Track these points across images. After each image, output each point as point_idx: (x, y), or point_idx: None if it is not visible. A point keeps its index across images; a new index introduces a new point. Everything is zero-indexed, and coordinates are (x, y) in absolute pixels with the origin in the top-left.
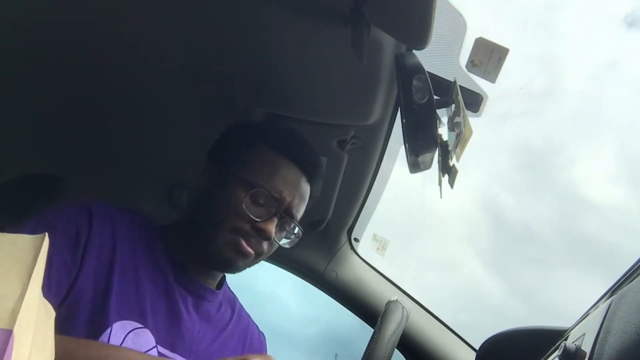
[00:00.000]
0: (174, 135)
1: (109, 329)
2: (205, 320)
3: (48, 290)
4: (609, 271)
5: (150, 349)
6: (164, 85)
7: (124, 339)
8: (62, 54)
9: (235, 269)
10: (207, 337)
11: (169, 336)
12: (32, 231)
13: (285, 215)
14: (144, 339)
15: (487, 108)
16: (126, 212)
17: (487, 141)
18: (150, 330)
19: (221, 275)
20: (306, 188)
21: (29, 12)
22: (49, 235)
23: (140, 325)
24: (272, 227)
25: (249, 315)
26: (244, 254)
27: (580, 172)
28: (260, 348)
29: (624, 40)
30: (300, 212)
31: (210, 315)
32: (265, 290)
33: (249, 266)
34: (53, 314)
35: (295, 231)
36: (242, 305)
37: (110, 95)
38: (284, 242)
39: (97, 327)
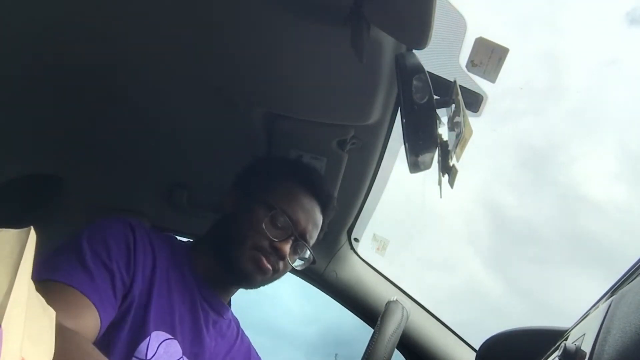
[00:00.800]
0: (174, 135)
1: (148, 337)
2: (220, 336)
3: (110, 305)
4: (609, 271)
5: (178, 359)
6: (164, 86)
7: (158, 347)
8: (62, 53)
9: (254, 283)
10: (222, 352)
11: (192, 348)
12: (92, 252)
13: (299, 238)
14: (174, 349)
15: (487, 107)
16: (156, 229)
17: (487, 141)
18: (178, 342)
19: (234, 293)
20: (320, 217)
21: (28, 11)
22: (105, 252)
23: (170, 336)
24: (287, 247)
25: (249, 339)
26: (263, 270)
27: (581, 170)
28: None
29: (625, 38)
30: (313, 238)
31: (223, 332)
32: (265, 290)
33: (266, 283)
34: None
35: (307, 255)
36: (243, 330)
37: (110, 95)
38: (296, 264)
39: (138, 334)
